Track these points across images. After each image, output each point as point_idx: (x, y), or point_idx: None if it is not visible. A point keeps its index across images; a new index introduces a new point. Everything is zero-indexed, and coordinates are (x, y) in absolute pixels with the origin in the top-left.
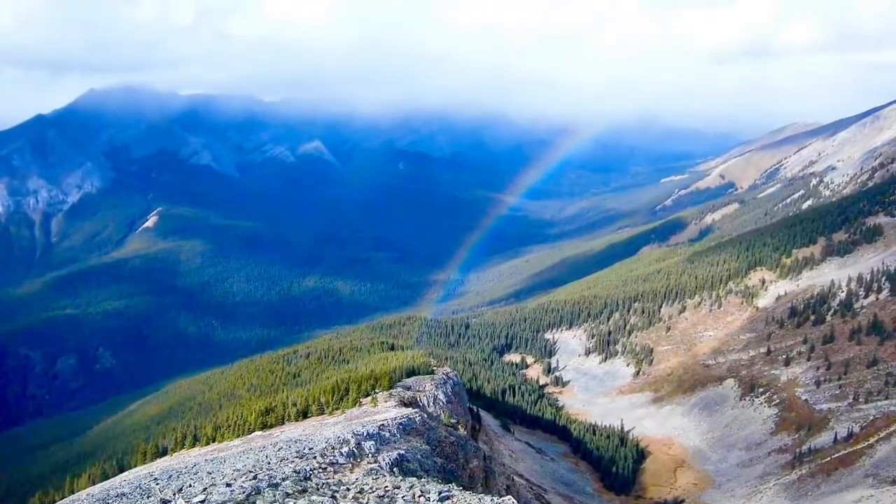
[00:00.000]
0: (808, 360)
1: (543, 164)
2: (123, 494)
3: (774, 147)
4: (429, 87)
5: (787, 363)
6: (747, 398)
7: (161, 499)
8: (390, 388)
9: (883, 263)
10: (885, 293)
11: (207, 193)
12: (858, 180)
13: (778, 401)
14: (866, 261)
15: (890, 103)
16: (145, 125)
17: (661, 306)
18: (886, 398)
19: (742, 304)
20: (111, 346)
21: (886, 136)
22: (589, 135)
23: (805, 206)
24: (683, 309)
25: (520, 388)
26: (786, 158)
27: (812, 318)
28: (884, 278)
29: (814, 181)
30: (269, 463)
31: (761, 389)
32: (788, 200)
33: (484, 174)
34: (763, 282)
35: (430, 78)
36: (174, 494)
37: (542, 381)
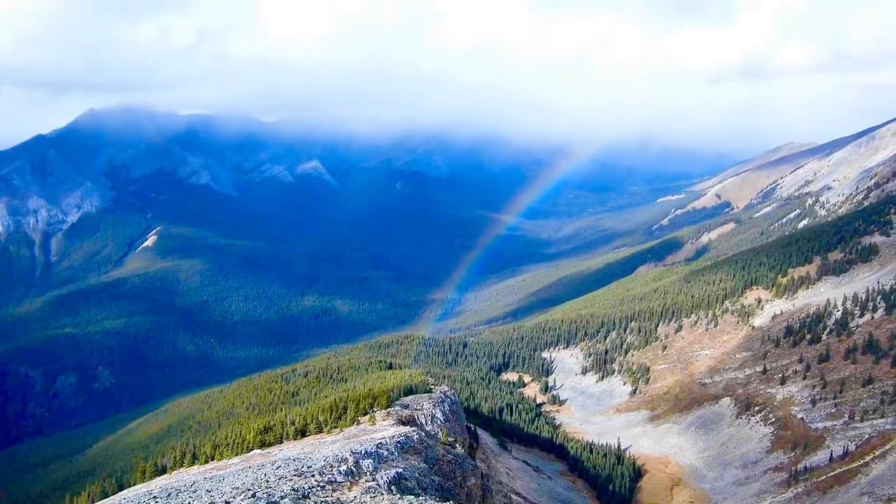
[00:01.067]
0: (804, 378)
1: (541, 183)
2: None
3: (770, 167)
4: (427, 108)
5: (782, 382)
6: (743, 417)
7: None
8: (388, 406)
9: (878, 282)
10: (880, 312)
11: (206, 213)
12: (854, 200)
13: (774, 419)
14: (862, 280)
15: (885, 123)
16: (144, 145)
17: (657, 325)
18: (882, 416)
19: (738, 323)
20: (111, 365)
21: (882, 156)
22: (586, 155)
23: (801, 225)
24: (680, 328)
25: (517, 406)
26: (782, 178)
27: (808, 336)
28: (879, 297)
29: (809, 201)
30: (267, 481)
31: (757, 408)
32: (784, 220)
33: (481, 194)
34: (759, 301)
35: (428, 98)
36: None
37: (539, 400)
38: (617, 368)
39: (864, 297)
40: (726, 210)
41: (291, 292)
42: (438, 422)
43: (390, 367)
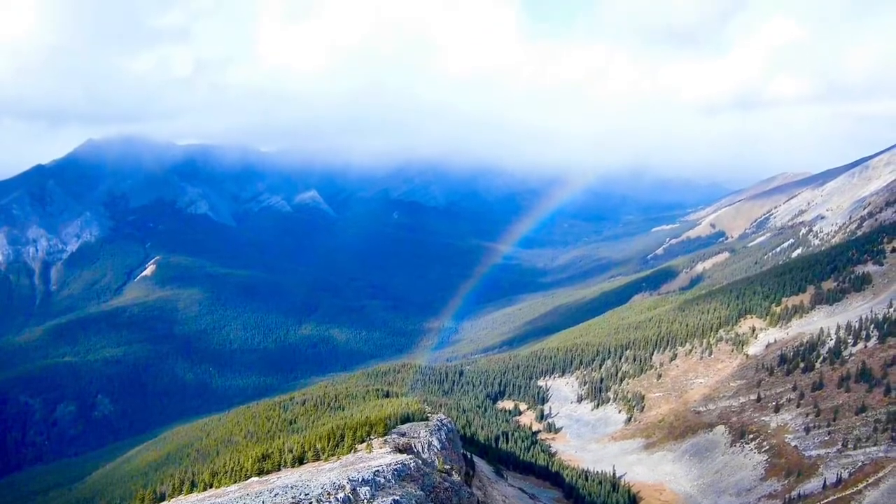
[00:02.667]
0: (798, 406)
1: (536, 213)
2: None
3: (764, 197)
4: (423, 137)
5: (776, 410)
6: (737, 444)
7: None
8: (385, 434)
9: (871, 311)
10: (873, 341)
11: (204, 242)
12: (847, 229)
13: (768, 447)
14: (854, 309)
15: (878, 153)
16: (143, 175)
17: (652, 354)
18: (875, 444)
19: (732, 351)
20: (110, 393)
21: (875, 186)
22: (581, 184)
23: (794, 254)
24: (675, 356)
25: (513, 434)
26: (776, 208)
27: (801, 365)
28: (872, 326)
29: (803, 230)
30: None
31: (751, 436)
32: (778, 249)
33: (478, 223)
34: (753, 330)
35: (425, 128)
36: None
37: (535, 428)
38: (612, 396)
39: (857, 326)
40: (721, 239)
41: (289, 321)
42: (435, 449)
43: (387, 395)
